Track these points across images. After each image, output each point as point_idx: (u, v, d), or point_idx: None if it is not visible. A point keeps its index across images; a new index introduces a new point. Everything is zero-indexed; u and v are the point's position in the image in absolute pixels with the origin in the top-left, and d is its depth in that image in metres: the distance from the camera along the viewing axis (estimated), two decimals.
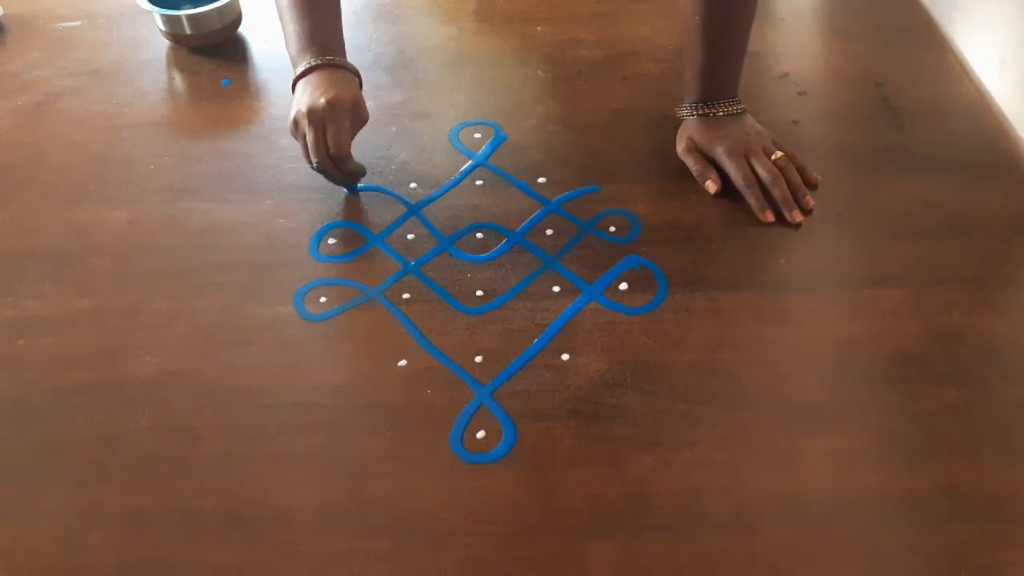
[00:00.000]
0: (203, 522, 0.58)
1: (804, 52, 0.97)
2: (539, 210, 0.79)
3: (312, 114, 0.72)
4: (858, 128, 0.86)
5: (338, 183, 0.77)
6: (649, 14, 1.03)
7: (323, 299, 0.72)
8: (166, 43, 0.99)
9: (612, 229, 0.77)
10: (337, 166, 0.74)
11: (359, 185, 0.80)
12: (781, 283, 0.73)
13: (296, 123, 0.74)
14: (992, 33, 0.89)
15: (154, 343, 0.68)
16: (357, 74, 0.78)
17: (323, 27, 0.77)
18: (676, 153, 0.82)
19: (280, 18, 0.79)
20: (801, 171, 0.79)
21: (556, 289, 0.72)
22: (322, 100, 0.72)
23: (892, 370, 0.65)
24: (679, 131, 0.83)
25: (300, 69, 0.75)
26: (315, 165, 0.73)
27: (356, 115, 0.75)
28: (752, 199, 0.77)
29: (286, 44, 0.78)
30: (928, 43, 0.97)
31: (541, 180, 0.82)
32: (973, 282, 0.71)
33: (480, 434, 0.62)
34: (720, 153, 0.79)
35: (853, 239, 0.75)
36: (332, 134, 0.72)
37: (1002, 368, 0.65)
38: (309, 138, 0.72)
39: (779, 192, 0.76)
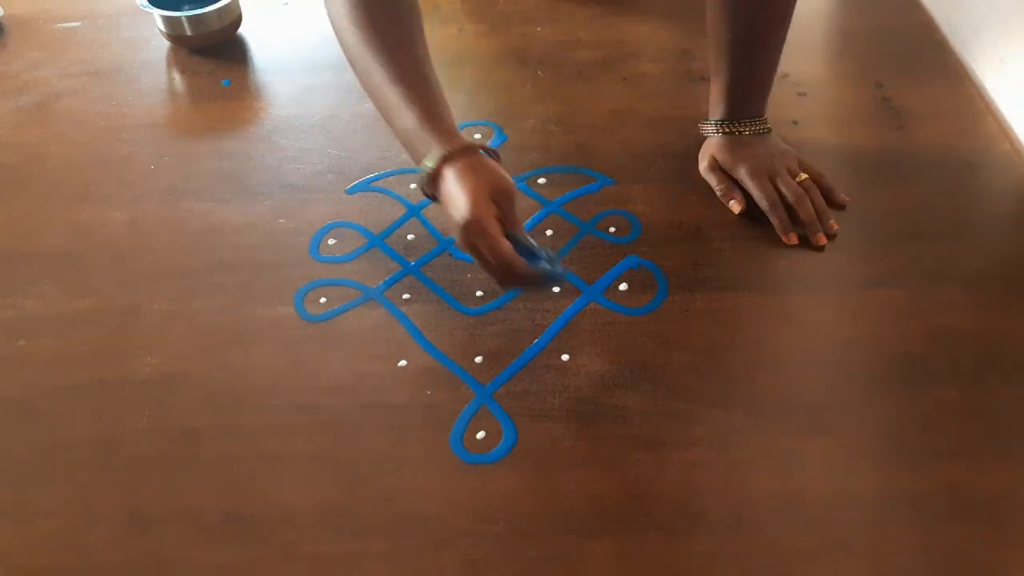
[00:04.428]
0: (203, 522, 0.58)
1: (804, 52, 0.97)
2: (539, 210, 0.79)
3: (463, 246, 0.62)
4: (858, 128, 0.86)
5: (542, 286, 0.68)
6: (649, 14, 1.03)
7: (323, 299, 0.72)
8: (166, 43, 1.00)
9: (612, 229, 0.77)
10: (521, 277, 0.63)
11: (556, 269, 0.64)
12: (781, 283, 0.73)
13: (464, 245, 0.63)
14: (992, 33, 0.89)
15: (154, 343, 0.68)
16: (480, 146, 0.65)
17: (432, 113, 0.65)
18: (676, 153, 0.82)
19: (386, 116, 0.69)
20: (828, 192, 0.78)
21: (556, 289, 0.72)
22: (459, 224, 0.61)
23: (892, 370, 0.65)
24: (702, 148, 0.81)
25: (423, 182, 0.65)
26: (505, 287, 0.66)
27: (501, 200, 0.62)
28: (776, 220, 0.75)
29: (401, 142, 0.68)
30: (928, 43, 0.97)
31: (541, 180, 0.82)
32: (973, 282, 0.71)
33: (480, 434, 0.62)
34: (743, 173, 0.77)
35: (853, 239, 0.75)
36: (492, 257, 0.61)
37: (1002, 368, 0.65)
38: (480, 262, 0.62)
39: (804, 214, 0.74)
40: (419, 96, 0.66)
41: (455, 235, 0.62)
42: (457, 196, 0.61)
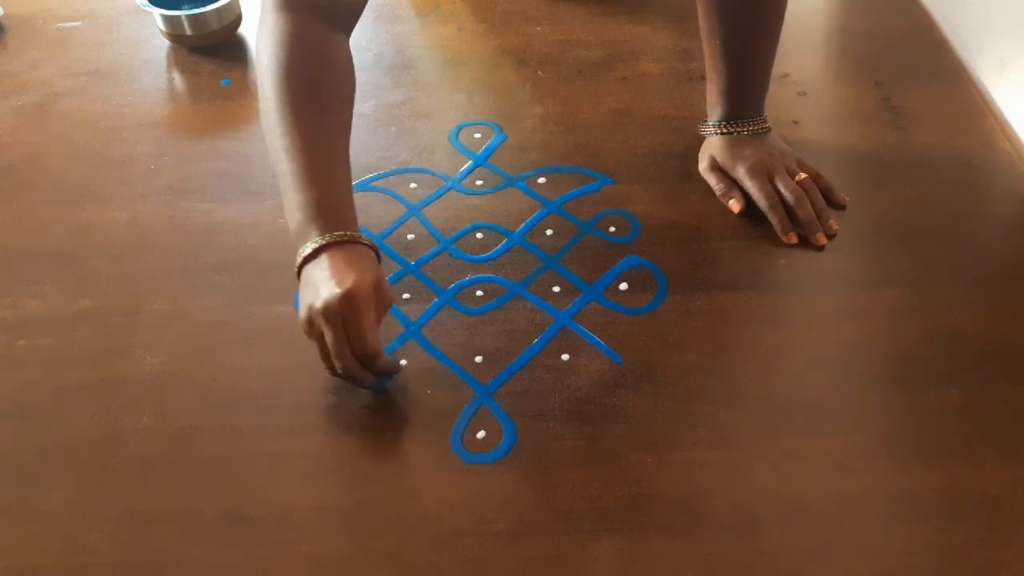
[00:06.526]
0: (203, 522, 0.58)
1: (804, 52, 0.97)
2: (539, 210, 0.79)
3: (328, 310, 0.58)
4: (858, 128, 0.86)
5: (367, 386, 0.63)
6: (649, 14, 1.03)
7: None
8: (166, 43, 0.99)
9: (612, 229, 0.77)
10: (366, 367, 0.61)
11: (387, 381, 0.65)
12: (781, 283, 0.73)
13: (310, 322, 0.60)
14: (992, 33, 0.90)
15: (154, 343, 0.68)
16: (373, 247, 0.64)
17: (331, 195, 0.63)
18: (676, 153, 0.82)
19: (280, 184, 0.65)
20: (828, 192, 0.78)
21: (556, 289, 0.72)
22: (338, 291, 0.58)
23: (892, 370, 0.65)
24: (701, 148, 0.81)
25: (306, 251, 0.61)
26: (339, 371, 0.61)
27: (380, 300, 0.61)
28: (775, 220, 0.75)
29: (287, 216, 0.64)
30: (928, 43, 0.97)
31: (541, 180, 0.82)
32: (973, 282, 0.71)
33: (480, 434, 0.62)
34: (742, 173, 0.77)
35: (853, 239, 0.75)
36: (355, 331, 0.59)
37: (1002, 368, 0.65)
38: (329, 340, 0.59)
39: (803, 214, 0.74)
40: (329, 175, 0.64)
41: (323, 300, 0.58)
42: (345, 270, 0.59)
